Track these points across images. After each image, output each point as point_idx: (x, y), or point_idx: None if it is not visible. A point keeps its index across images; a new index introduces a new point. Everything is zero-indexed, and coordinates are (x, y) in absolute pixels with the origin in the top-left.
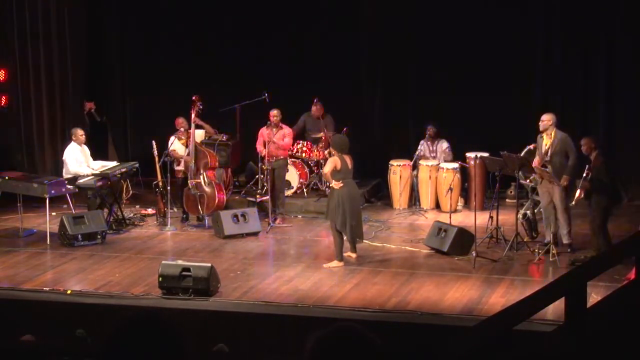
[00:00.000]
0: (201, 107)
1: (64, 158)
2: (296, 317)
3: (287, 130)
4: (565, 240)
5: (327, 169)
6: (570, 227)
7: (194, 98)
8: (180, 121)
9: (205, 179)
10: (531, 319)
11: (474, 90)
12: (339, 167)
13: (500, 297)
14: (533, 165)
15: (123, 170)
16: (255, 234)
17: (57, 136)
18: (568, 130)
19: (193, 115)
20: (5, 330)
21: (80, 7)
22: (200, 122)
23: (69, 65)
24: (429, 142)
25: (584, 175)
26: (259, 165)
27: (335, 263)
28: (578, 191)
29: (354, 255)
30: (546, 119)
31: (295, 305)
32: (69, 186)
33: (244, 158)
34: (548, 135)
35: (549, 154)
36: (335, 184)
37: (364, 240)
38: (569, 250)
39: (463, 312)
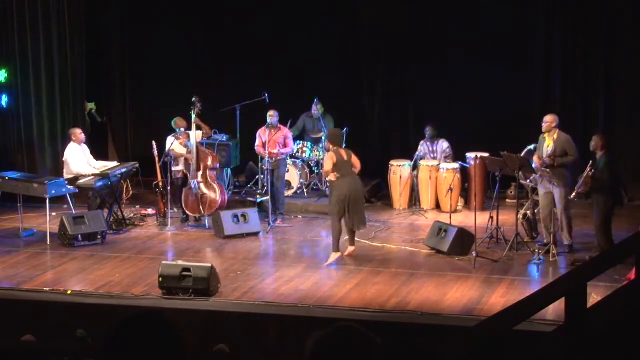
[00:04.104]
0: (201, 107)
1: (64, 158)
2: (296, 317)
3: (285, 131)
4: (565, 242)
5: (327, 166)
6: (571, 229)
7: (193, 99)
8: (179, 121)
9: (208, 178)
10: (531, 319)
11: (474, 90)
12: (334, 160)
13: (500, 297)
14: (534, 163)
15: (123, 170)
16: (255, 234)
17: (57, 136)
18: (568, 130)
19: (193, 116)
20: (5, 330)
21: (80, 6)
22: (200, 123)
23: (69, 65)
24: (428, 143)
25: (587, 170)
26: (259, 165)
27: (332, 256)
28: (577, 185)
29: (352, 248)
30: (549, 120)
31: (295, 305)
32: (69, 186)
33: (245, 158)
34: (550, 136)
35: (549, 154)
36: (332, 176)
37: (364, 240)
38: (567, 250)
39: (463, 312)
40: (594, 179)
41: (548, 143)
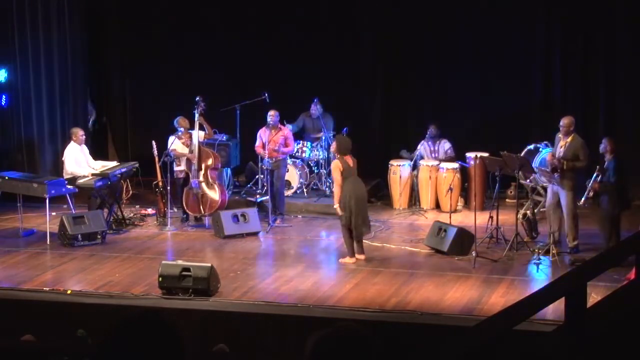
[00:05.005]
0: (204, 107)
1: (63, 158)
2: (296, 317)
3: (286, 131)
4: (570, 245)
5: (336, 175)
6: (577, 234)
7: (197, 99)
8: (182, 121)
9: (209, 178)
10: (531, 319)
11: (474, 90)
12: (341, 169)
13: (500, 297)
14: (547, 159)
15: (123, 170)
16: (255, 234)
17: (57, 136)
18: None
19: (197, 116)
20: (5, 330)
21: (80, 6)
22: (204, 122)
23: (69, 65)
24: (429, 142)
25: (594, 175)
26: (259, 165)
27: (347, 259)
28: (587, 191)
29: (362, 257)
30: (566, 125)
31: (295, 305)
32: (69, 186)
33: (245, 158)
34: (564, 139)
35: (559, 157)
36: (339, 210)
37: (364, 240)
38: (568, 250)
39: (463, 312)
40: (602, 183)
41: (562, 145)
